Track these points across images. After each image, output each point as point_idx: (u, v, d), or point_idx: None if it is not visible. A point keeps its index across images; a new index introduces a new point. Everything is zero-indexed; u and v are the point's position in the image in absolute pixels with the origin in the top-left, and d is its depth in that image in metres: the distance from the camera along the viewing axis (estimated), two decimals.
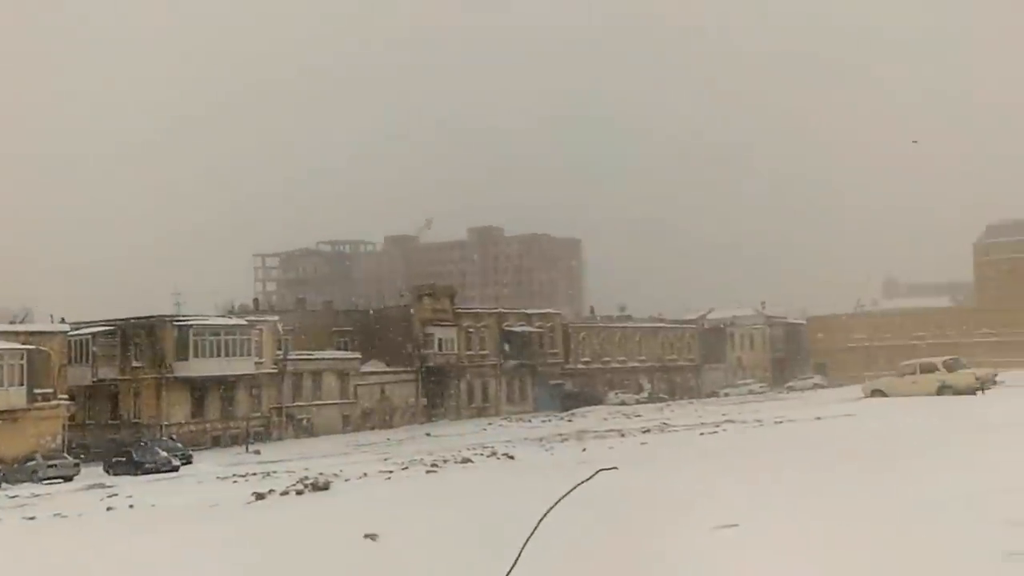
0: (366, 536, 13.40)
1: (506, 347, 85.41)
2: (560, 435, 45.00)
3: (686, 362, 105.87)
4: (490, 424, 68.33)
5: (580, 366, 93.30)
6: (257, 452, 55.45)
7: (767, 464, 18.73)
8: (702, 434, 32.66)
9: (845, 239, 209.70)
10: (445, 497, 18.01)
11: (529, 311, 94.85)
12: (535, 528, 8.06)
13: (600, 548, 10.94)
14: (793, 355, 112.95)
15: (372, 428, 71.35)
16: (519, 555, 7.99)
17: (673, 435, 35.48)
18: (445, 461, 30.50)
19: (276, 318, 72.39)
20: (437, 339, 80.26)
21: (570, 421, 63.64)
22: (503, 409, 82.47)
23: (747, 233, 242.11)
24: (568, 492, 8.77)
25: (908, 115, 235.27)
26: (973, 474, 13.94)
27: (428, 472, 26.38)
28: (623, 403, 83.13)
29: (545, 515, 8.13)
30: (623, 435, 38.13)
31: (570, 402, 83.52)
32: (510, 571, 8.02)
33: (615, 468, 10.52)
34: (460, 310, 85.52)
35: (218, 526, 17.27)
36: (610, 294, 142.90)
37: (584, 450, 31.14)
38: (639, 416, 59.59)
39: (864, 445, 21.25)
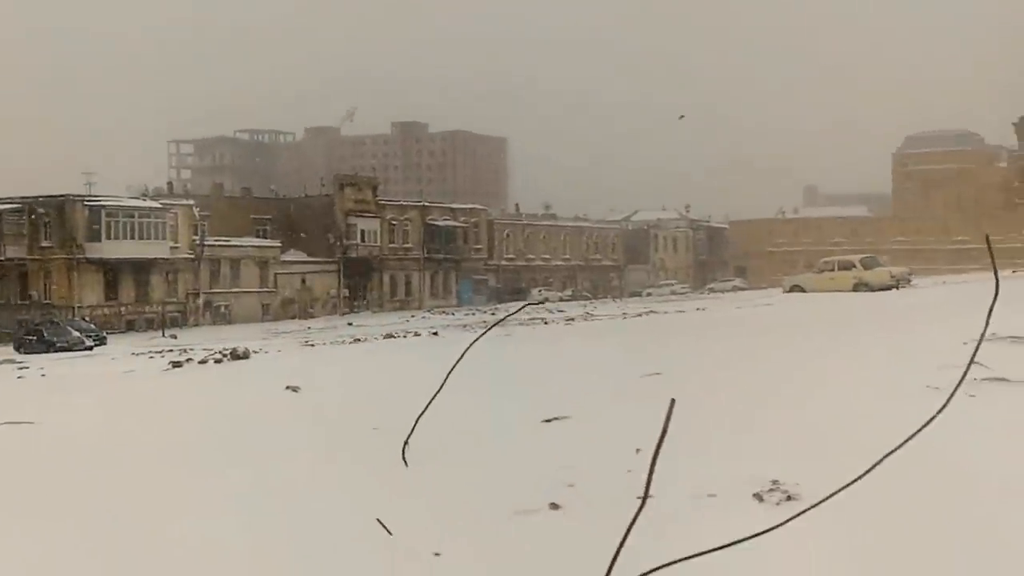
0: (287, 388, 13.09)
1: (430, 241, 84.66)
2: (484, 323, 44.85)
3: (610, 262, 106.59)
4: (413, 316, 67.96)
5: (504, 263, 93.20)
6: (174, 337, 54.31)
7: (688, 333, 18.71)
8: (625, 316, 32.77)
9: (768, 148, 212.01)
10: (367, 357, 17.70)
11: (454, 206, 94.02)
12: (458, 360, 7.65)
13: (511, 383, 10.78)
14: (715, 258, 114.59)
15: (292, 318, 70.48)
16: (443, 383, 7.59)
17: (598, 322, 35.54)
18: (367, 340, 30.09)
19: (192, 202, 70.32)
20: (360, 230, 79.09)
21: (493, 314, 63.56)
22: (426, 303, 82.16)
23: (672, 140, 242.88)
24: (490, 327, 8.42)
25: (834, 27, 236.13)
26: (897, 335, 13.97)
27: (351, 343, 25.98)
28: (547, 300, 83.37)
29: (468, 348, 7.67)
30: (547, 323, 38.10)
31: (494, 297, 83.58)
32: (431, 401, 7.63)
33: (544, 301, 10.13)
34: (384, 202, 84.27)
35: (136, 385, 16.64)
36: (535, 193, 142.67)
37: (508, 335, 30.94)
38: (562, 312, 59.82)
39: (786, 321, 21.38)
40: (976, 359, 9.79)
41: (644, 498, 3.67)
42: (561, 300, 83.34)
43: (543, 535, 5.54)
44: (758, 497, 5.84)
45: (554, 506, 6.06)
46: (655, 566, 3.80)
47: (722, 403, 8.76)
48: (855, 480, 4.08)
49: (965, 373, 4.58)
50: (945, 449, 5.75)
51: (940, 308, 19.37)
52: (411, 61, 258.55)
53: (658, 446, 3.68)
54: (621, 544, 3.64)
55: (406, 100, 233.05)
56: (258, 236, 74.80)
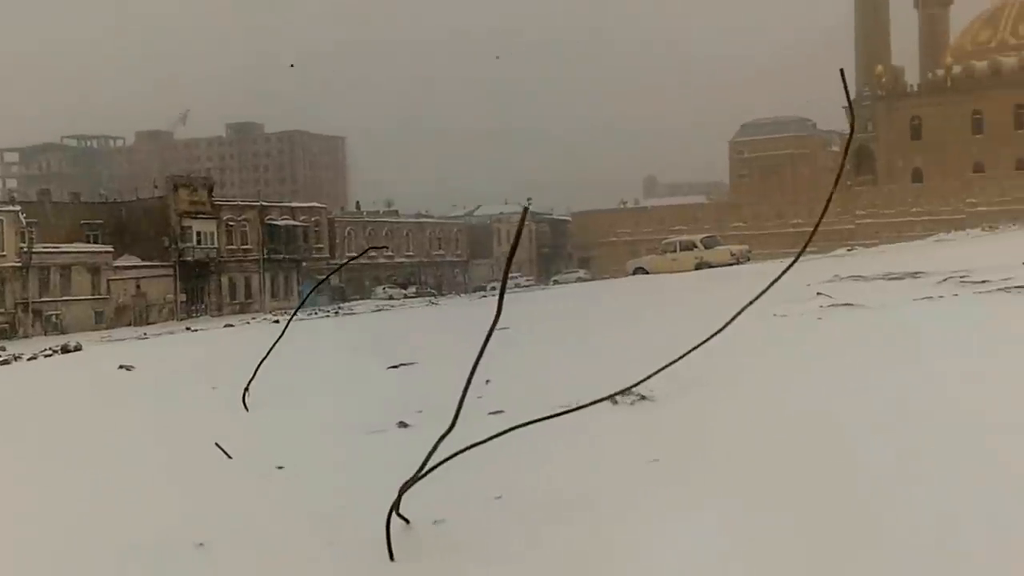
0: (120, 367, 12.58)
1: (270, 241, 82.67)
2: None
3: (454, 257, 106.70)
4: (253, 319, 66.20)
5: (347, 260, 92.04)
6: (2, 348, 51.06)
7: (536, 301, 18.82)
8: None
9: (609, 140, 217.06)
10: (199, 343, 17.20)
11: (293, 205, 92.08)
12: (282, 332, 7.51)
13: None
14: (559, 250, 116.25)
15: (128, 324, 67.38)
16: (280, 336, 7.42)
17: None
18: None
19: (18, 208, 66.38)
20: (196, 232, 76.34)
21: (336, 314, 62.54)
22: (268, 305, 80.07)
23: (513, 131, 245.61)
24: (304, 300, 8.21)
25: (669, 20, 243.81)
26: (742, 287, 14.43)
27: (187, 331, 25.13)
28: (391, 297, 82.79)
29: (291, 317, 7.50)
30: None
31: (337, 296, 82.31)
32: (271, 349, 7.43)
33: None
34: (220, 202, 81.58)
35: None
36: (377, 190, 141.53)
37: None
38: (413, 307, 59.53)
39: (634, 295, 21.81)
40: (822, 292, 10.58)
41: (458, 411, 3.78)
42: (406, 297, 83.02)
43: (393, 447, 5.40)
44: (612, 399, 5.85)
45: (403, 424, 5.94)
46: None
47: (584, 339, 8.84)
48: (644, 380, 4.23)
49: (752, 302, 4.90)
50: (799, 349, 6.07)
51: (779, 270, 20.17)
52: (245, 62, 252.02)
53: (473, 368, 3.91)
54: (439, 442, 3.75)
55: (240, 101, 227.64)
56: (88, 242, 71.30)
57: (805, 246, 4.90)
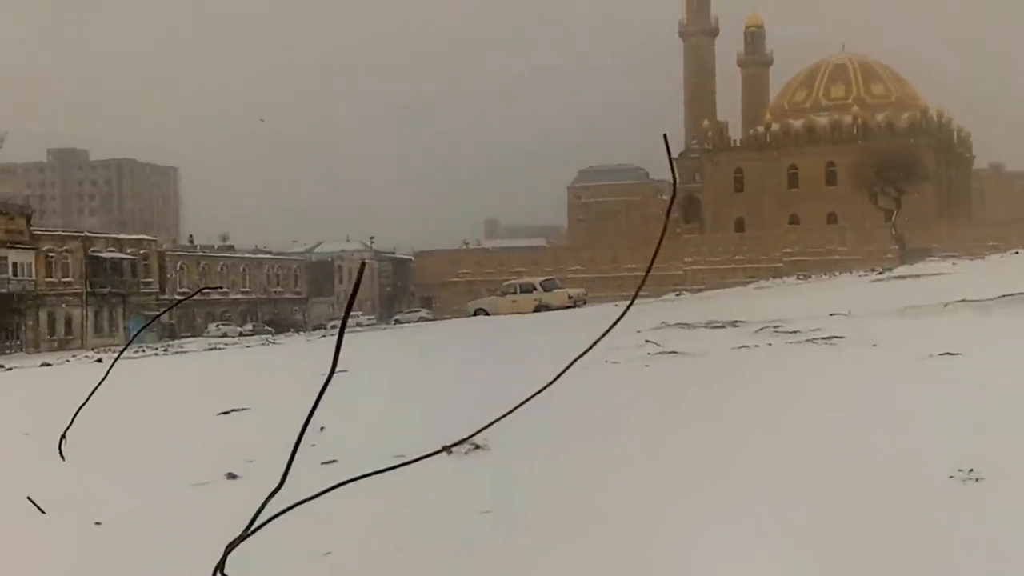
0: None
1: (94, 274, 79.00)
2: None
3: (292, 295, 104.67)
4: (74, 356, 62.92)
5: (179, 297, 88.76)
6: None
7: (373, 341, 18.73)
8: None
9: (452, 182, 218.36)
10: (11, 384, 16.30)
11: (120, 236, 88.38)
12: (106, 373, 7.33)
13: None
14: (401, 289, 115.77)
15: None
16: (88, 397, 7.20)
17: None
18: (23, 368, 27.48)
19: None
20: (11, 263, 72.24)
21: (165, 351, 60.22)
22: (90, 341, 76.21)
23: (357, 168, 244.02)
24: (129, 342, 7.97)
25: (510, 66, 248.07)
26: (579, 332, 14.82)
27: None
28: (225, 335, 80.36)
29: (117, 357, 7.25)
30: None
31: (167, 333, 79.18)
32: (89, 396, 7.17)
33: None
34: (39, 232, 77.52)
35: None
36: (212, 224, 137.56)
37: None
38: (249, 347, 58.01)
39: (474, 337, 21.95)
40: (650, 339, 11.03)
41: (288, 466, 3.75)
42: (240, 335, 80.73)
43: (220, 501, 5.27)
44: (447, 450, 5.91)
45: (232, 475, 5.80)
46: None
47: (423, 384, 8.85)
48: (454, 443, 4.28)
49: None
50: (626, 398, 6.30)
51: (614, 313, 20.87)
52: (71, 85, 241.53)
53: (308, 418, 3.77)
54: (267, 500, 3.70)
55: (64, 126, 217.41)
56: None
57: (635, 295, 5.09)
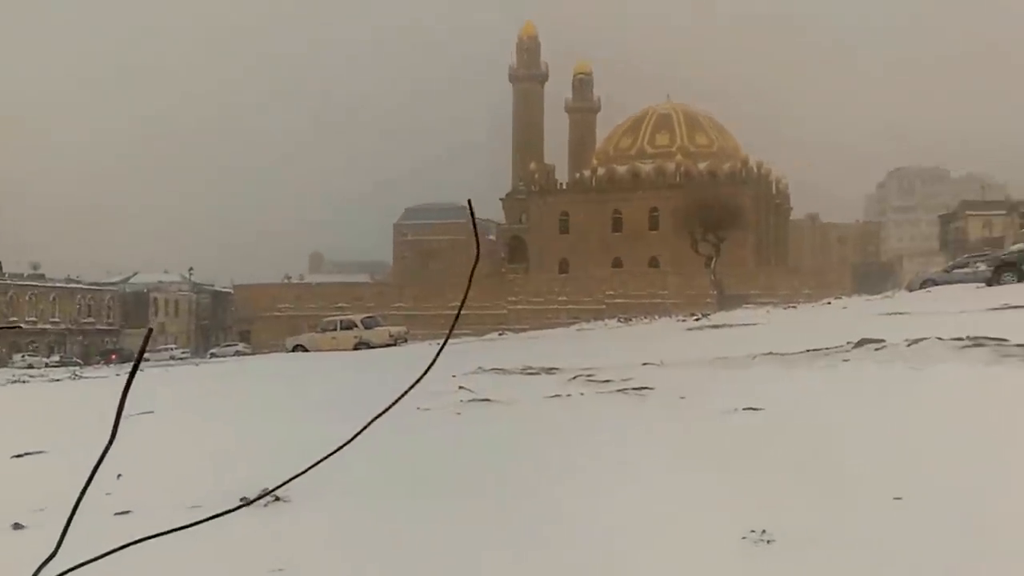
0: None
1: None
2: None
3: (105, 326, 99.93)
4: None
5: None
6: None
7: (187, 379, 18.20)
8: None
9: (276, 214, 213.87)
10: None
11: None
12: None
13: None
14: (219, 322, 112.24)
15: None
16: None
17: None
18: None
19: None
20: None
21: None
22: None
23: (178, 200, 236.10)
24: None
25: (343, 100, 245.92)
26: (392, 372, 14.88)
27: None
28: (31, 366, 75.71)
29: None
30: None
31: None
32: None
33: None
34: None
35: None
36: (21, 252, 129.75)
37: None
38: (56, 379, 54.82)
39: (288, 375, 21.61)
40: (464, 385, 11.21)
41: (66, 528, 3.65)
42: (47, 366, 76.27)
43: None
44: (245, 499, 5.87)
45: (18, 526, 5.59)
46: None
47: (227, 427, 8.71)
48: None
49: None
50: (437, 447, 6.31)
51: (433, 351, 20.87)
52: None
53: (94, 470, 3.73)
54: (42, 565, 3.61)
55: None
56: None
57: (446, 341, 5.22)
